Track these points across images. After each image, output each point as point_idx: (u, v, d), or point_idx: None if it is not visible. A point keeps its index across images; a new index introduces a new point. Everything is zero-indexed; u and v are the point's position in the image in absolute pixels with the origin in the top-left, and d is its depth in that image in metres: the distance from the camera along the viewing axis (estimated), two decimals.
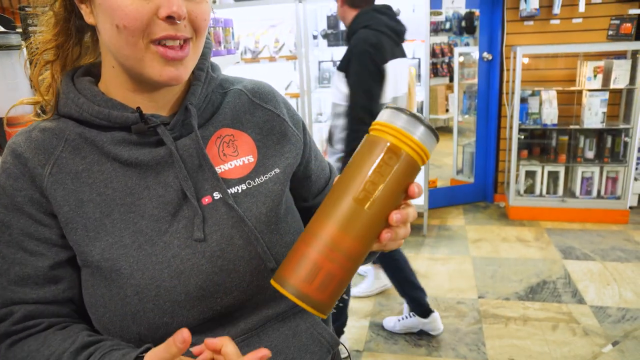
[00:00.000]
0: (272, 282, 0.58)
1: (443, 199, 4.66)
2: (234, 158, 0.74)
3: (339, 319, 2.42)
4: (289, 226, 0.75)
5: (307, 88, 3.75)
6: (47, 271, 0.67)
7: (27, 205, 0.66)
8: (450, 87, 6.38)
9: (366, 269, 3.15)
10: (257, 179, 0.74)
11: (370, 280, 3.11)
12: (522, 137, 4.18)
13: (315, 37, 3.75)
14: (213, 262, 0.68)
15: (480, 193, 4.75)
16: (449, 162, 5.64)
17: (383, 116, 0.59)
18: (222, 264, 0.68)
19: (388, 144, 0.57)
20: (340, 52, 3.30)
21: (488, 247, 3.74)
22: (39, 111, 0.74)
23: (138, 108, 0.67)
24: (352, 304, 3.03)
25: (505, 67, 4.27)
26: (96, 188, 0.67)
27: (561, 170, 4.13)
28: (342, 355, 0.91)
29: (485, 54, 4.39)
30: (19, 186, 0.66)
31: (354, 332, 2.75)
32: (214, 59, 0.97)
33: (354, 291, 3.07)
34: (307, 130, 0.87)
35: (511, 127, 4.17)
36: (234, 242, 0.69)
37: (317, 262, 0.56)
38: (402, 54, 2.42)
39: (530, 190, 4.25)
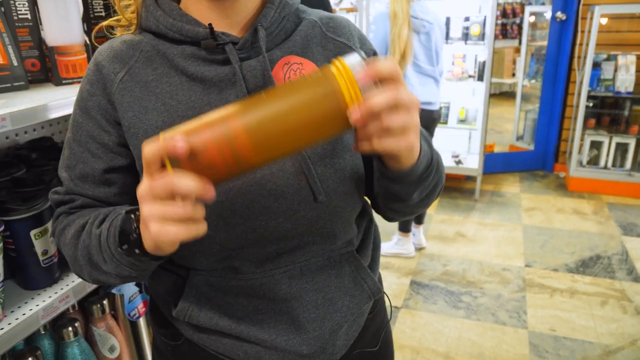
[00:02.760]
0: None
1: (499, 164, 4.51)
2: None
3: None
4: (346, 163, 0.74)
5: None
6: (101, 173, 0.73)
7: (95, 109, 0.72)
8: (519, 50, 6.06)
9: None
10: None
11: (391, 243, 3.15)
12: (591, 104, 3.93)
13: None
14: (262, 185, 0.69)
15: (540, 161, 4.55)
16: (509, 127, 5.43)
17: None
18: (270, 188, 0.69)
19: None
20: None
21: (541, 217, 3.61)
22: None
23: (210, 24, 0.70)
24: (395, 262, 3.04)
25: (579, 29, 3.99)
26: (161, 98, 0.71)
27: (631, 142, 3.87)
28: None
29: (558, 14, 4.11)
30: (92, 91, 0.72)
31: (394, 289, 2.77)
32: None
33: None
34: None
35: (579, 94, 3.92)
36: (285, 168, 0.70)
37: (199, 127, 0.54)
38: None
39: (594, 161, 4.03)
